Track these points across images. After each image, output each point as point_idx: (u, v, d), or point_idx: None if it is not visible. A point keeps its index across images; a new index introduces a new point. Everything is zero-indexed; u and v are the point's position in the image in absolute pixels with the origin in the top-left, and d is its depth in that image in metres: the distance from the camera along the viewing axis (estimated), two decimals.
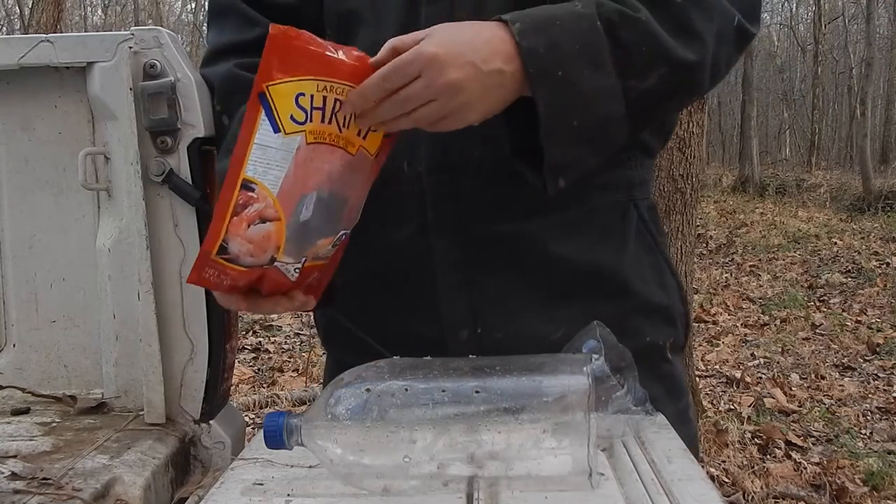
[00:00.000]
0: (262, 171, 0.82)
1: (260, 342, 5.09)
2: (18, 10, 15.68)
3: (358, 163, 0.86)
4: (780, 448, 3.42)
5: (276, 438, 0.77)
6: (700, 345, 4.98)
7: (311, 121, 0.82)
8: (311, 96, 0.82)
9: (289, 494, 0.75)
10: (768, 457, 3.34)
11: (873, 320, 5.70)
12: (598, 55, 0.85)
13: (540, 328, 0.96)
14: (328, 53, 0.82)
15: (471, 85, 0.82)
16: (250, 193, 0.82)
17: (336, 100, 0.83)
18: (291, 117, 0.81)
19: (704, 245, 8.84)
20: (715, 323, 5.67)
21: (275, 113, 0.81)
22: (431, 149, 0.97)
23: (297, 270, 0.86)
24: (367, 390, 0.74)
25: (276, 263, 0.84)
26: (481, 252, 0.99)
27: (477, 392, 0.74)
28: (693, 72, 0.90)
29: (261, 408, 3.71)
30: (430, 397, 0.73)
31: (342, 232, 0.88)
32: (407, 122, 0.84)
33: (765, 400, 4.02)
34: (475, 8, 0.94)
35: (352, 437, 0.73)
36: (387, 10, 0.98)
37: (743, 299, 6.47)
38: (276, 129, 0.81)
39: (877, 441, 3.55)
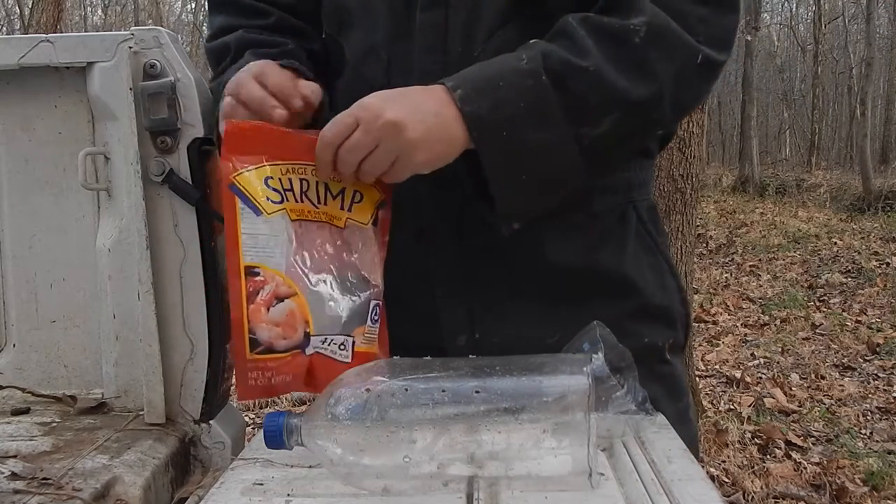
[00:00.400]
0: (260, 255, 0.83)
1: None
2: (18, 10, 15.68)
3: (352, 235, 0.89)
4: (780, 448, 3.42)
5: (276, 438, 0.77)
6: (700, 345, 4.98)
7: (287, 200, 0.85)
8: (279, 179, 0.86)
9: (289, 494, 0.75)
10: (768, 457, 3.34)
11: (873, 320, 5.70)
12: (544, 110, 0.86)
13: (538, 332, 0.96)
14: (282, 139, 0.86)
15: (412, 123, 0.83)
16: (257, 278, 0.83)
17: (301, 179, 0.87)
18: (268, 199, 0.85)
19: (704, 245, 8.83)
20: (715, 323, 5.67)
21: (251, 198, 0.84)
22: None
23: (344, 349, 0.86)
24: (367, 390, 0.74)
25: (312, 340, 0.84)
26: (479, 258, 0.99)
27: (477, 392, 0.74)
28: (648, 112, 0.90)
29: (261, 408, 3.71)
30: (430, 397, 0.73)
31: (372, 302, 0.89)
32: (365, 175, 0.86)
33: (765, 400, 4.02)
34: (470, 15, 0.93)
35: (352, 437, 0.73)
36: (379, 14, 0.98)
37: (743, 299, 6.47)
38: (258, 213, 0.84)
39: (877, 441, 3.55)
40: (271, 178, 0.85)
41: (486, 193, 0.89)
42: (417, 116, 0.83)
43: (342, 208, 0.88)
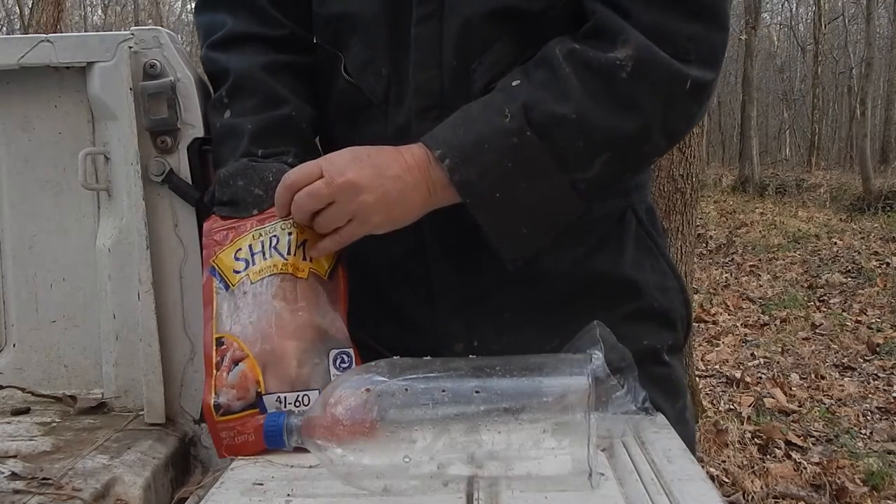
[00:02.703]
0: (225, 325, 0.90)
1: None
2: (18, 10, 15.68)
3: (311, 285, 0.92)
4: (780, 448, 3.42)
5: (276, 438, 0.77)
6: (700, 345, 4.98)
7: (253, 264, 0.91)
8: (249, 245, 0.92)
9: (289, 494, 0.75)
10: (768, 457, 3.34)
11: (873, 320, 5.70)
12: (534, 165, 0.86)
13: (536, 338, 0.96)
14: (250, 222, 0.93)
15: (370, 187, 0.85)
16: (222, 347, 0.90)
17: (272, 236, 0.92)
18: (234, 270, 0.92)
19: (704, 245, 8.83)
20: (715, 323, 5.67)
21: (223, 275, 0.92)
22: None
23: (302, 405, 0.88)
24: (367, 390, 0.74)
25: (265, 399, 0.88)
26: (478, 270, 0.98)
27: (477, 392, 0.74)
28: (638, 146, 0.90)
29: None
30: (430, 397, 0.73)
31: (336, 352, 0.91)
32: (319, 227, 0.89)
33: (765, 400, 4.02)
34: (462, 29, 0.93)
35: (352, 437, 0.73)
36: (377, 28, 0.97)
37: (743, 299, 6.47)
38: (227, 287, 0.91)
39: (877, 441, 3.55)
40: (240, 249, 0.93)
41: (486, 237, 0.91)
42: (377, 181, 0.86)
43: (304, 258, 0.92)
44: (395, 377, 0.75)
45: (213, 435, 0.89)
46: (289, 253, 0.91)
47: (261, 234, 0.92)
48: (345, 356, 0.90)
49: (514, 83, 0.89)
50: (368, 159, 0.87)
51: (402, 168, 0.87)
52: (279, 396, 0.88)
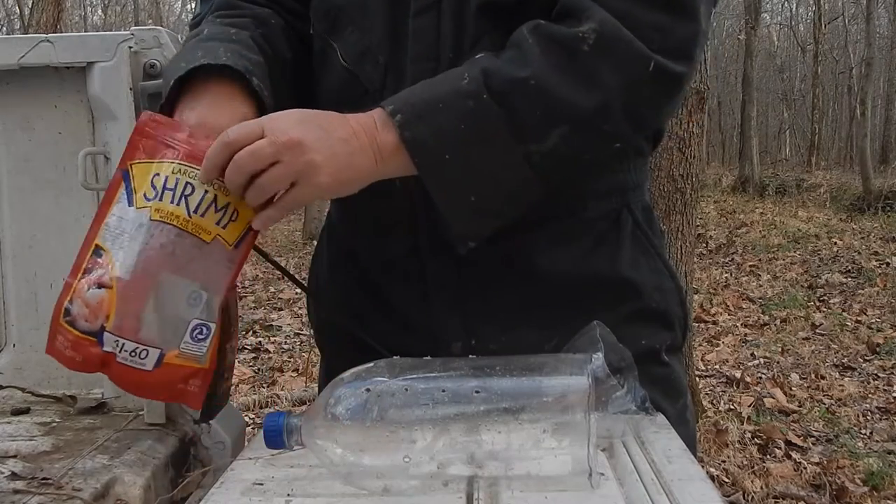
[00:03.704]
0: (110, 240, 0.86)
1: (260, 342, 5.08)
2: (18, 10, 15.68)
3: (212, 251, 0.87)
4: (780, 448, 3.42)
5: (276, 438, 0.77)
6: (700, 345, 4.98)
7: (160, 199, 0.86)
8: (166, 177, 0.86)
9: (289, 494, 0.75)
10: (768, 457, 3.34)
11: (873, 320, 5.70)
12: (488, 130, 0.84)
13: (534, 338, 0.95)
14: (189, 140, 0.86)
15: (317, 146, 0.81)
16: (98, 259, 0.87)
17: (188, 183, 0.86)
18: (144, 195, 0.86)
19: (704, 245, 8.83)
20: (715, 323, 5.67)
21: (132, 188, 0.87)
22: None
23: (140, 357, 0.85)
24: (367, 390, 0.74)
25: (106, 336, 0.85)
26: (474, 268, 0.98)
27: (477, 392, 0.74)
28: (597, 124, 0.87)
29: (261, 408, 3.71)
30: (430, 397, 0.73)
31: (198, 322, 0.87)
32: (253, 193, 0.83)
33: (765, 400, 4.02)
34: (456, 22, 0.93)
35: (352, 437, 0.73)
36: (375, 18, 0.97)
37: (743, 299, 6.47)
38: (130, 204, 0.86)
39: (877, 441, 3.55)
40: (158, 175, 0.86)
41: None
42: (325, 142, 0.82)
43: (218, 223, 0.87)
44: (395, 377, 0.75)
45: (51, 332, 0.87)
46: (195, 211, 0.85)
47: (180, 172, 0.86)
48: (204, 328, 0.87)
49: (479, 56, 0.88)
50: (315, 119, 0.84)
51: (349, 132, 0.84)
52: (119, 340, 0.85)
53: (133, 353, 0.85)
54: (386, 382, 0.75)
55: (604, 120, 0.87)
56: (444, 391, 0.74)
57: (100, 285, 0.86)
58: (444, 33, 0.93)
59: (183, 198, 0.86)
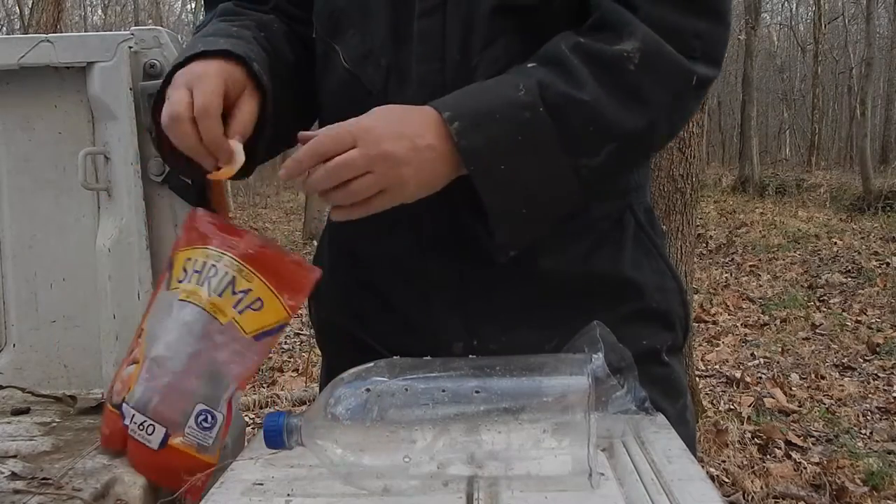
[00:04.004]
0: (148, 321, 0.91)
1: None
2: (18, 10, 15.68)
3: (225, 334, 0.88)
4: (780, 448, 3.42)
5: (276, 438, 0.77)
6: (700, 345, 4.98)
7: (188, 281, 0.89)
8: (195, 261, 0.90)
9: (289, 494, 0.75)
10: (768, 457, 3.34)
11: (873, 320, 5.70)
12: (542, 142, 0.85)
13: (535, 338, 0.95)
14: (223, 230, 0.91)
15: (408, 157, 0.83)
16: (138, 339, 0.91)
17: (213, 266, 0.89)
18: (177, 278, 0.90)
19: (704, 245, 8.83)
20: (715, 323, 5.67)
21: (171, 273, 0.91)
22: None
23: (148, 433, 0.87)
24: (367, 390, 0.74)
25: (124, 408, 0.88)
26: (476, 268, 0.98)
27: (477, 392, 0.74)
28: (643, 140, 0.90)
29: (261, 408, 3.71)
30: (430, 397, 0.73)
31: (202, 409, 0.87)
32: (342, 195, 0.84)
33: (765, 400, 4.02)
34: (465, 23, 0.93)
35: (352, 437, 0.73)
36: (378, 20, 0.97)
37: (743, 299, 6.47)
38: (168, 287, 0.91)
39: (877, 441, 3.54)
40: (189, 259, 0.90)
41: (482, 219, 0.89)
42: (414, 153, 0.83)
43: (234, 307, 0.88)
44: (395, 377, 0.75)
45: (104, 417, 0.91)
46: (214, 292, 0.88)
47: (208, 257, 0.90)
48: (209, 417, 0.87)
49: (529, 65, 0.88)
50: (400, 125, 0.85)
51: (433, 138, 0.84)
52: (132, 412, 0.88)
53: (141, 427, 0.88)
54: (386, 382, 0.75)
55: (650, 136, 0.90)
56: (444, 391, 0.74)
57: (133, 362, 0.90)
58: (450, 35, 0.93)
59: (206, 279, 0.89)
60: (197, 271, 0.89)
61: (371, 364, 0.79)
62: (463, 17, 0.93)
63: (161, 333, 0.88)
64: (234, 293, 0.88)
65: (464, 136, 0.84)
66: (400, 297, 1.03)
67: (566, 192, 0.88)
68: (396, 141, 0.83)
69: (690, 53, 0.87)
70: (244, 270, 0.88)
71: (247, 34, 0.97)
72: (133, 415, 0.88)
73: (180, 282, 0.89)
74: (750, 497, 2.98)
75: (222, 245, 0.90)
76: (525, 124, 0.84)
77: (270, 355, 4.83)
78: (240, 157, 0.87)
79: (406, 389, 0.74)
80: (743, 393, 4.14)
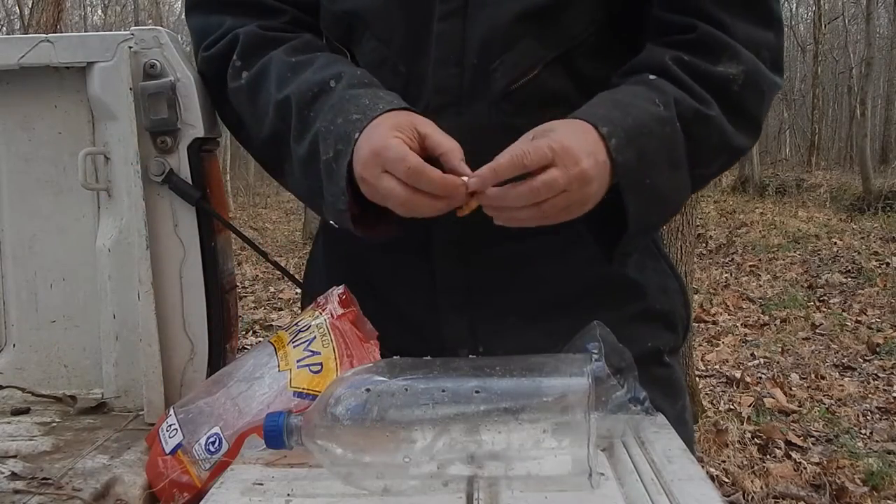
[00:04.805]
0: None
1: (260, 342, 5.08)
2: (18, 10, 15.68)
3: (274, 379, 0.90)
4: (780, 448, 3.42)
5: (276, 438, 0.77)
6: (700, 345, 4.98)
7: (286, 330, 0.96)
8: (304, 319, 0.95)
9: (289, 494, 0.75)
10: (768, 457, 3.34)
11: (873, 320, 5.70)
12: (677, 155, 0.89)
13: (541, 343, 0.95)
14: (335, 310, 0.93)
15: (595, 175, 0.82)
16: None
17: (309, 324, 0.93)
18: (294, 321, 0.97)
19: (704, 245, 8.83)
20: (715, 323, 5.67)
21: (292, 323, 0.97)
22: None
23: (171, 437, 0.90)
24: (367, 390, 0.74)
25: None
26: (482, 273, 0.98)
27: (477, 392, 0.74)
28: (745, 153, 0.99)
29: None
30: (430, 397, 0.73)
31: (216, 433, 0.88)
32: (528, 213, 0.82)
33: (765, 400, 4.02)
34: (487, 27, 0.92)
35: (351, 437, 0.73)
36: (395, 24, 0.96)
37: (743, 299, 6.46)
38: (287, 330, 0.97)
39: (877, 441, 3.55)
40: (303, 318, 0.95)
41: (593, 226, 0.91)
42: (597, 170, 0.83)
43: (298, 361, 0.89)
44: (395, 377, 0.75)
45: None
46: (292, 341, 0.91)
47: (313, 317, 0.93)
48: (218, 442, 0.87)
49: (649, 77, 0.91)
50: (584, 143, 0.83)
51: (604, 153, 0.84)
52: (169, 412, 0.93)
53: (168, 428, 0.90)
54: (386, 382, 0.75)
55: (750, 148, 1.00)
56: (444, 391, 0.74)
57: None
58: (469, 39, 0.92)
59: (297, 330, 0.92)
60: (297, 323, 0.94)
61: (371, 364, 0.79)
62: (483, 21, 0.92)
63: (249, 359, 0.93)
64: (305, 349, 0.89)
65: (620, 153, 0.84)
66: (404, 302, 1.03)
67: (683, 199, 0.95)
68: (587, 158, 0.82)
69: (765, 64, 0.94)
70: (326, 336, 0.89)
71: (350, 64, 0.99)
72: (168, 413, 0.92)
73: (282, 328, 0.96)
74: (750, 497, 2.98)
75: (325, 310, 0.93)
76: (666, 139, 0.88)
77: None
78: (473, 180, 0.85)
79: (406, 389, 0.74)
80: (743, 393, 4.14)
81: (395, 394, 0.74)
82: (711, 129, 0.91)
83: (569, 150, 0.81)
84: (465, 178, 0.82)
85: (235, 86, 1.01)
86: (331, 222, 0.93)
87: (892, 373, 4.55)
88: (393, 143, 0.82)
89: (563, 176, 0.80)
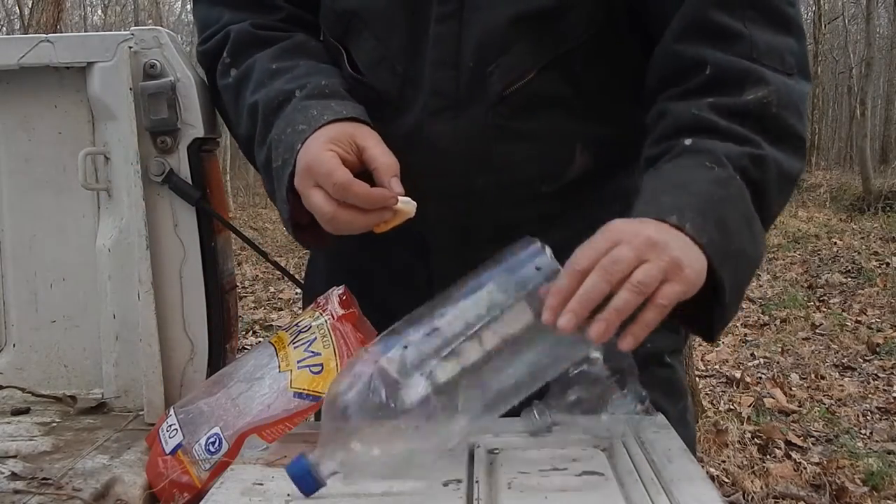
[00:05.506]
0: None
1: (260, 342, 5.08)
2: (18, 10, 15.68)
3: (273, 380, 0.91)
4: (780, 448, 3.42)
5: (309, 481, 0.73)
6: (700, 345, 4.97)
7: (286, 330, 0.97)
8: (304, 319, 0.96)
9: (289, 494, 0.75)
10: (768, 457, 3.34)
11: (873, 320, 5.69)
12: (749, 211, 0.84)
13: None
14: (336, 311, 0.93)
15: (668, 239, 0.76)
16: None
17: (310, 324, 0.93)
18: (294, 321, 0.98)
19: None
20: None
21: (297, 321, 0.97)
22: (435, 175, 0.95)
23: (172, 437, 0.91)
24: (368, 384, 0.74)
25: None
26: None
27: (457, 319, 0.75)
28: (800, 176, 0.92)
29: None
30: (429, 340, 0.74)
31: (216, 434, 0.88)
32: (633, 289, 0.73)
33: (765, 400, 4.02)
34: (482, 30, 0.92)
35: (378, 432, 0.73)
36: (394, 24, 0.96)
37: (743, 299, 6.46)
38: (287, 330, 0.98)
39: (877, 441, 3.54)
40: (303, 319, 0.94)
41: (681, 316, 0.84)
42: (671, 237, 0.77)
43: (299, 362, 0.89)
44: (386, 351, 0.75)
45: None
46: (293, 342, 0.91)
47: (313, 318, 0.93)
48: (218, 442, 0.87)
49: (686, 143, 0.86)
50: (645, 225, 0.78)
51: (676, 233, 0.78)
52: (170, 411, 0.94)
53: (168, 429, 0.91)
54: (379, 363, 0.74)
55: (803, 169, 0.92)
56: (436, 330, 0.75)
57: None
58: (465, 41, 0.92)
59: (298, 331, 0.92)
60: (297, 323, 0.94)
61: (352, 361, 0.78)
62: (479, 24, 0.92)
63: (249, 359, 0.93)
64: (306, 350, 0.89)
65: (703, 233, 0.78)
66: (402, 304, 1.03)
67: (764, 249, 0.87)
68: (648, 227, 0.77)
69: (788, 70, 0.88)
70: (327, 337, 0.89)
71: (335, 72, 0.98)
72: (169, 413, 0.93)
73: (282, 328, 0.95)
74: (750, 497, 2.98)
75: (326, 311, 0.93)
76: (735, 199, 0.82)
77: None
78: (406, 205, 0.85)
79: (405, 347, 0.74)
80: (743, 393, 4.14)
81: (391, 363, 0.73)
82: (769, 167, 0.85)
83: (624, 230, 0.76)
84: (395, 194, 0.84)
85: (224, 83, 1.02)
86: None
87: (892, 373, 4.55)
88: (324, 158, 0.84)
89: (629, 248, 0.74)
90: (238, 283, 1.38)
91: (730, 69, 0.87)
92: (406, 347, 0.74)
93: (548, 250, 0.77)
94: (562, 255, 0.98)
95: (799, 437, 3.55)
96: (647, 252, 0.74)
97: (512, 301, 0.75)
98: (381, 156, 0.86)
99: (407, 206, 0.85)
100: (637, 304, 0.73)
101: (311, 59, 0.99)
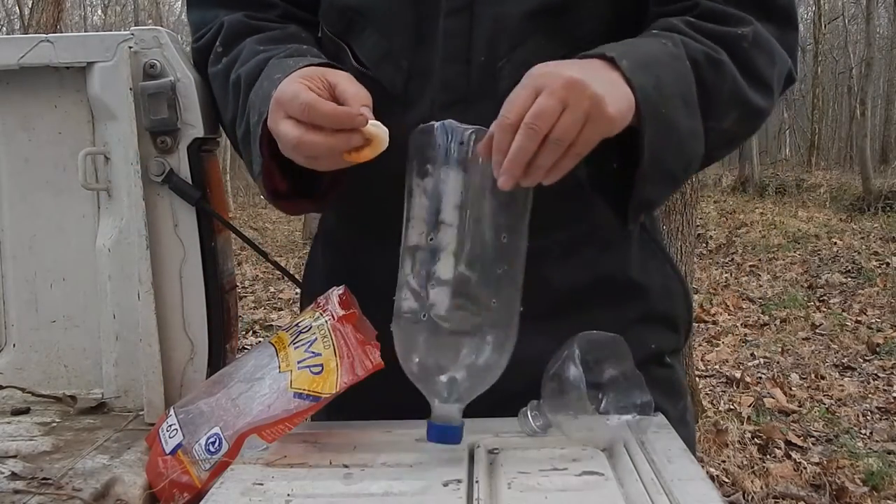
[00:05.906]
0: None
1: (260, 342, 5.08)
2: (18, 10, 15.69)
3: (273, 380, 0.91)
4: (780, 448, 3.42)
5: (453, 431, 0.82)
6: (700, 345, 4.98)
7: (287, 331, 0.97)
8: (304, 319, 0.96)
9: (289, 494, 0.75)
10: (768, 457, 3.34)
11: (873, 320, 5.70)
12: (690, 96, 0.85)
13: (542, 345, 0.95)
14: (336, 310, 0.94)
15: (591, 77, 0.76)
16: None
17: (311, 324, 0.94)
18: (294, 322, 0.99)
19: (704, 245, 8.83)
20: (715, 323, 5.67)
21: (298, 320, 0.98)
22: None
23: (172, 437, 0.91)
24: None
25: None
26: None
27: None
28: (760, 118, 0.93)
29: None
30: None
31: (216, 434, 0.88)
32: (553, 146, 0.76)
33: (765, 400, 4.02)
34: (494, 24, 0.92)
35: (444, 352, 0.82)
36: (398, 19, 0.95)
37: (743, 299, 6.46)
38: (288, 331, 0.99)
39: (877, 441, 3.55)
40: (303, 319, 0.95)
41: (601, 185, 0.89)
42: (595, 74, 0.78)
43: (299, 362, 0.88)
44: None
45: None
46: (293, 342, 0.92)
47: (313, 318, 0.93)
48: (218, 442, 0.87)
49: (652, 31, 0.89)
50: (571, 63, 0.80)
51: (608, 72, 0.80)
52: (170, 412, 0.95)
53: (168, 428, 0.91)
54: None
55: (762, 114, 0.93)
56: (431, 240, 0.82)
57: None
58: (477, 35, 0.92)
59: (298, 331, 0.92)
60: (297, 323, 0.94)
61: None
62: (491, 17, 0.92)
63: (249, 360, 0.94)
64: (306, 350, 0.89)
65: (634, 75, 0.79)
66: None
67: (697, 152, 0.88)
68: (572, 68, 0.78)
69: (777, 23, 0.91)
70: (327, 337, 0.89)
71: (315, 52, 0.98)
72: (169, 413, 0.93)
73: (282, 329, 0.96)
74: (750, 497, 2.98)
75: (326, 311, 0.93)
76: (679, 74, 0.84)
77: None
78: (377, 128, 0.83)
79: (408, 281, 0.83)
80: (743, 393, 4.14)
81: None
82: (721, 74, 0.85)
83: (545, 74, 0.77)
84: (362, 112, 0.82)
85: (213, 70, 1.02)
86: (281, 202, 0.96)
87: (892, 373, 4.55)
88: (293, 86, 0.83)
89: (550, 94, 0.75)
90: (238, 283, 1.38)
91: (716, 10, 0.90)
92: (408, 280, 0.83)
93: (448, 122, 0.82)
94: (566, 253, 0.99)
95: (799, 437, 3.55)
96: (569, 95, 0.75)
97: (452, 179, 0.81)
98: (353, 88, 0.84)
99: (377, 129, 0.83)
100: (559, 155, 0.77)
101: (301, 45, 0.99)
